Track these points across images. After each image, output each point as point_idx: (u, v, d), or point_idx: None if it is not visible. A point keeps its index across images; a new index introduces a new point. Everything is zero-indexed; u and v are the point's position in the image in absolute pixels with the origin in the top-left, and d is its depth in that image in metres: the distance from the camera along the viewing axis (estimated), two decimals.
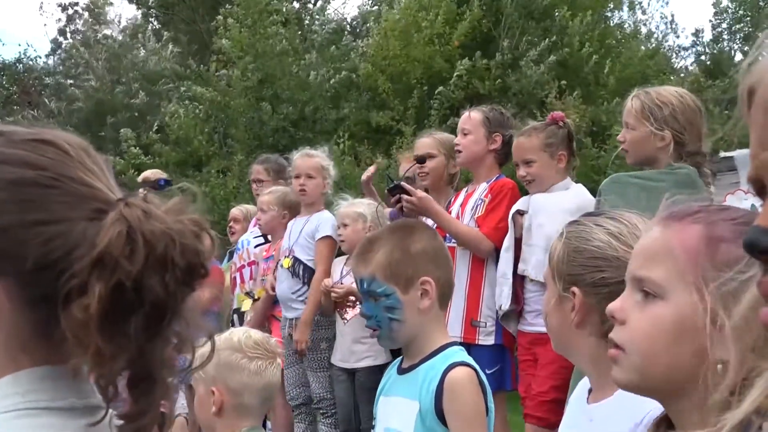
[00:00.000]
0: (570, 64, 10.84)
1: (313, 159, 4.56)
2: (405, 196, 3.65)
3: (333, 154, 5.27)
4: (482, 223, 3.68)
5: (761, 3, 19.93)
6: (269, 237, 4.99)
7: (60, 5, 18.05)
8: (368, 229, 4.06)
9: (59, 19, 18.91)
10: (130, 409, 0.87)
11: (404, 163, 4.47)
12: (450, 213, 3.83)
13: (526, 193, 3.70)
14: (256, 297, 4.91)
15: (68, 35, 18.08)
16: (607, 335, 1.49)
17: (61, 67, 17.99)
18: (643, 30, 16.02)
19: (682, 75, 15.14)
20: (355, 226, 4.19)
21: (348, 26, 15.17)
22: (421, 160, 4.09)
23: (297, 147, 5.29)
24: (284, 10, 12.29)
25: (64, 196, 0.86)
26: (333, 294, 4.23)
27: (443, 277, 2.10)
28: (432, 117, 10.11)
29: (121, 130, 12.10)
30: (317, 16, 13.70)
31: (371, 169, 4.82)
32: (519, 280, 3.53)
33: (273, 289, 4.63)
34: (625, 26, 14.36)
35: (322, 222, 4.46)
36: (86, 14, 17.92)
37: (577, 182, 3.68)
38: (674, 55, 19.44)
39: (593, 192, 3.35)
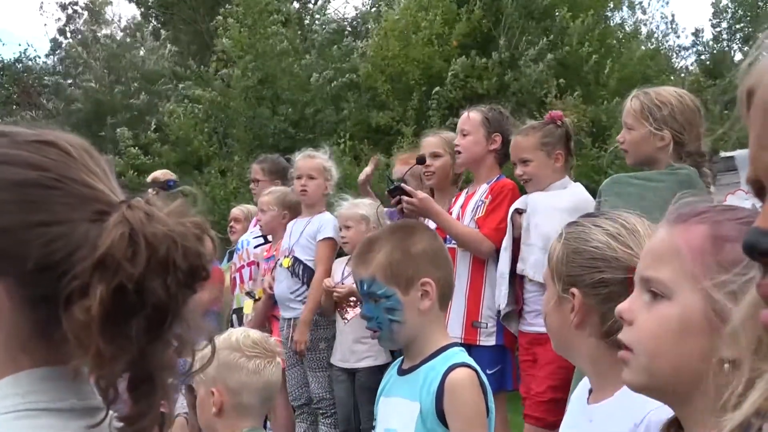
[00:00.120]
0: (569, 64, 10.84)
1: (314, 160, 4.56)
2: (405, 198, 3.64)
3: (333, 154, 5.26)
4: (483, 224, 3.68)
5: (760, 2, 19.94)
6: (269, 237, 4.99)
7: (60, 4, 18.06)
8: (371, 231, 4.05)
9: (59, 19, 18.93)
10: (130, 410, 0.87)
11: (398, 165, 4.44)
12: (450, 214, 3.83)
13: (525, 192, 3.70)
14: (256, 297, 4.91)
15: (68, 35, 18.07)
16: (607, 336, 1.50)
17: (59, 67, 17.98)
18: (644, 30, 16.03)
19: (682, 75, 15.13)
20: (358, 227, 4.19)
21: (348, 26, 15.16)
22: (421, 160, 4.09)
23: (298, 148, 5.29)
24: (284, 9, 12.28)
25: (66, 197, 0.86)
26: (335, 294, 4.23)
27: (443, 278, 2.10)
28: (431, 118, 10.11)
29: (118, 130, 12.08)
30: (317, 16, 13.70)
31: (368, 170, 4.81)
32: (519, 280, 3.53)
33: (271, 288, 4.63)
34: (625, 26, 14.36)
35: (324, 223, 4.46)
36: (86, 14, 17.91)
37: (576, 182, 3.68)
38: (674, 55, 19.45)
39: (594, 192, 3.34)
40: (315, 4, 15.09)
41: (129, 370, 0.86)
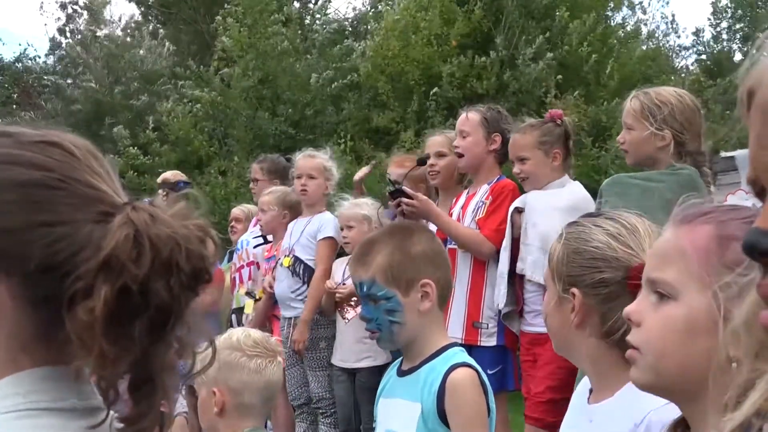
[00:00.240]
0: (569, 63, 10.83)
1: (314, 160, 4.56)
2: (405, 199, 3.63)
3: (334, 154, 5.27)
4: (483, 225, 3.67)
5: (759, 2, 19.93)
6: (268, 237, 5.00)
7: (60, 4, 18.04)
8: (373, 231, 4.05)
9: (58, 18, 18.92)
10: (131, 411, 0.87)
11: (393, 167, 4.41)
12: (451, 215, 3.83)
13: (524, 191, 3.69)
14: (257, 297, 4.91)
15: (67, 34, 18.06)
16: (607, 336, 1.50)
17: (58, 67, 17.97)
18: (644, 30, 16.02)
19: (683, 75, 15.13)
20: (360, 228, 4.18)
21: (349, 26, 15.15)
22: (422, 161, 4.08)
23: (298, 148, 5.29)
24: (285, 9, 12.28)
25: (70, 197, 0.86)
26: (337, 294, 4.23)
27: (443, 278, 2.10)
28: (431, 118, 10.10)
29: (114, 129, 12.06)
30: (318, 15, 13.69)
31: (365, 170, 4.80)
32: (519, 280, 3.53)
33: (272, 287, 4.63)
34: (626, 26, 14.35)
35: (325, 223, 4.46)
36: (85, 13, 17.90)
37: (575, 181, 3.67)
38: (675, 55, 19.45)
39: (594, 192, 3.34)
40: (315, 4, 15.08)
41: (131, 371, 0.86)
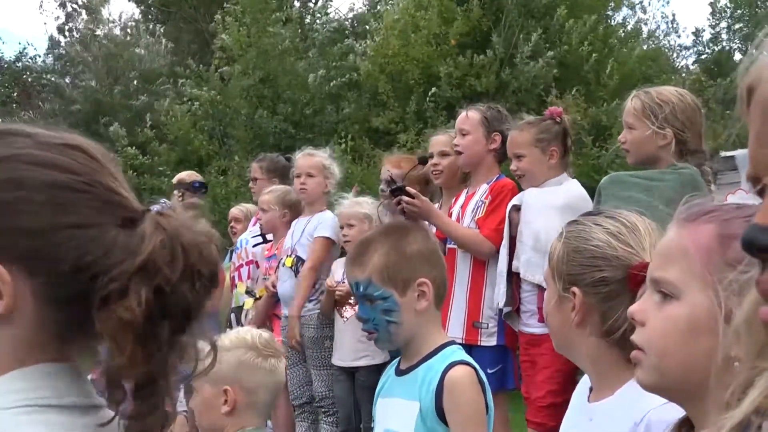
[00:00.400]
0: (569, 63, 10.83)
1: (314, 158, 4.56)
2: (406, 198, 3.63)
3: (335, 153, 5.27)
4: (482, 224, 3.67)
5: (758, 1, 19.92)
6: (268, 236, 5.00)
7: (59, 2, 18.02)
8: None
9: (57, 17, 18.88)
10: (137, 409, 0.89)
11: (388, 165, 4.39)
12: (450, 214, 3.82)
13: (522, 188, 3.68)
14: (257, 296, 4.91)
15: (66, 33, 18.06)
16: (608, 335, 1.50)
17: (57, 66, 17.96)
18: (644, 29, 16.02)
19: (683, 75, 15.12)
20: (361, 226, 4.17)
21: (349, 26, 15.16)
22: (423, 160, 4.08)
23: (298, 147, 5.29)
24: (285, 9, 12.28)
25: (95, 201, 0.88)
26: (337, 294, 4.23)
27: (439, 277, 2.10)
28: (431, 118, 10.10)
29: (110, 128, 12.04)
30: (318, 15, 13.70)
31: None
32: (516, 279, 3.52)
33: (275, 287, 4.63)
34: (626, 25, 14.35)
35: (323, 221, 4.45)
36: (84, 12, 17.90)
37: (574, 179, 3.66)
38: (675, 55, 19.45)
39: (594, 192, 3.33)
40: (316, 3, 15.09)
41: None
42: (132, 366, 0.85)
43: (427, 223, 3.72)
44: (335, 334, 4.32)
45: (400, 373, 2.12)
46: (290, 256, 4.49)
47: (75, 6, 18.00)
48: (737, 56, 18.96)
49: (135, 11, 18.20)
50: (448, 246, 3.73)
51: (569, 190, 3.51)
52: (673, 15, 26.34)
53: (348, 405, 4.27)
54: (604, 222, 1.55)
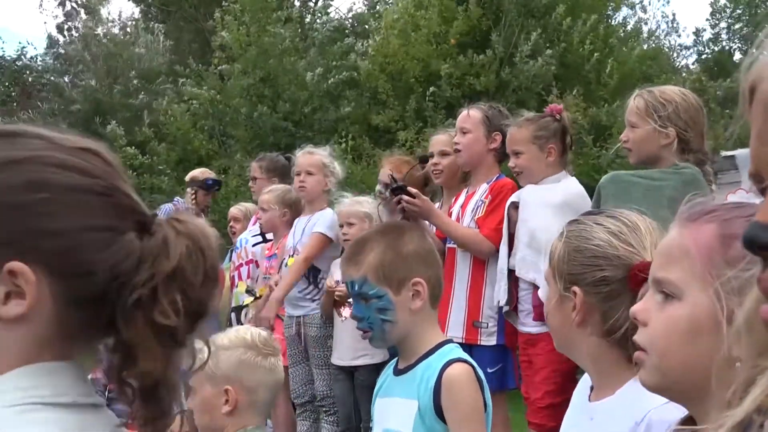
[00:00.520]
0: (570, 63, 10.84)
1: (313, 156, 4.55)
2: (406, 198, 3.62)
3: (335, 152, 5.25)
4: (482, 224, 3.66)
5: (757, 1, 19.92)
6: (268, 236, 4.99)
7: (58, 1, 18.00)
8: None
9: (56, 16, 18.86)
10: (148, 411, 0.91)
11: (387, 166, 4.38)
12: (450, 214, 3.82)
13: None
14: (258, 295, 4.91)
15: (65, 33, 18.04)
16: (608, 334, 1.50)
17: (57, 65, 17.95)
18: (644, 29, 16.03)
19: (684, 74, 15.12)
20: (362, 225, 4.17)
21: (349, 25, 15.16)
22: (423, 159, 4.07)
23: (299, 146, 5.28)
24: (285, 8, 12.28)
25: (114, 205, 0.90)
26: (336, 293, 4.22)
27: (434, 277, 2.10)
28: (431, 118, 10.09)
29: (108, 127, 12.02)
30: (318, 14, 13.70)
31: None
32: (515, 277, 3.50)
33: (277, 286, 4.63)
34: (626, 25, 14.35)
35: (321, 218, 4.44)
36: (83, 11, 17.88)
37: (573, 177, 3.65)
38: (676, 54, 19.45)
39: (594, 191, 3.33)
40: (316, 3, 15.09)
41: None
42: (154, 368, 0.87)
43: (427, 222, 3.73)
44: (334, 333, 4.32)
45: (398, 372, 2.13)
46: (293, 255, 4.49)
47: (74, 5, 18.00)
48: (737, 56, 18.96)
49: (134, 10, 18.25)
50: (448, 245, 3.73)
51: (567, 188, 3.49)
52: (674, 15, 26.35)
53: (347, 404, 4.27)
54: (605, 221, 1.55)
